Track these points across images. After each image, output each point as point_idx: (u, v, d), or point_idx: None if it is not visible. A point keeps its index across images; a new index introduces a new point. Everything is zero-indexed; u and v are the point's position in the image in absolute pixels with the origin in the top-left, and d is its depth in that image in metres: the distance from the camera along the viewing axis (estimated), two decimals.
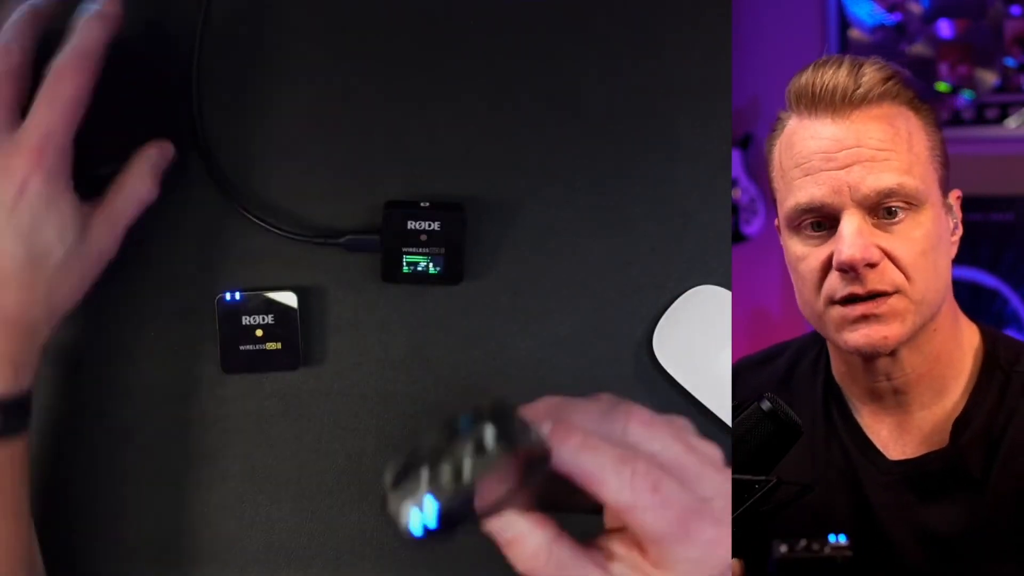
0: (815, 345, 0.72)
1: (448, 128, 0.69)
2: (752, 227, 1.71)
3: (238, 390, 0.67)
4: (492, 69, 0.70)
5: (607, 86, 0.70)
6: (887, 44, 1.67)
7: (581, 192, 0.69)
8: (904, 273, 0.62)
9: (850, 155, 0.62)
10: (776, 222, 0.71)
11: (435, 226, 0.65)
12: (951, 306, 0.66)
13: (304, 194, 0.68)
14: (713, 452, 0.48)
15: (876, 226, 0.62)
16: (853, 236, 0.61)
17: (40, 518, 0.66)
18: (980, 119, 1.68)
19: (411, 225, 0.65)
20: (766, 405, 0.60)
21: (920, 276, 0.62)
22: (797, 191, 0.64)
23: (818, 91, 0.63)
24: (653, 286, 0.70)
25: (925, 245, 0.62)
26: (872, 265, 0.61)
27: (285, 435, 0.68)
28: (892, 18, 1.72)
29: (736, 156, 1.69)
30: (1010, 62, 1.67)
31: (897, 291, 0.62)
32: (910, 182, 0.62)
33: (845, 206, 0.62)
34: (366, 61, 0.69)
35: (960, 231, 0.67)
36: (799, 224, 0.64)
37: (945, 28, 1.69)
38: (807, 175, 0.63)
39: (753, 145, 1.71)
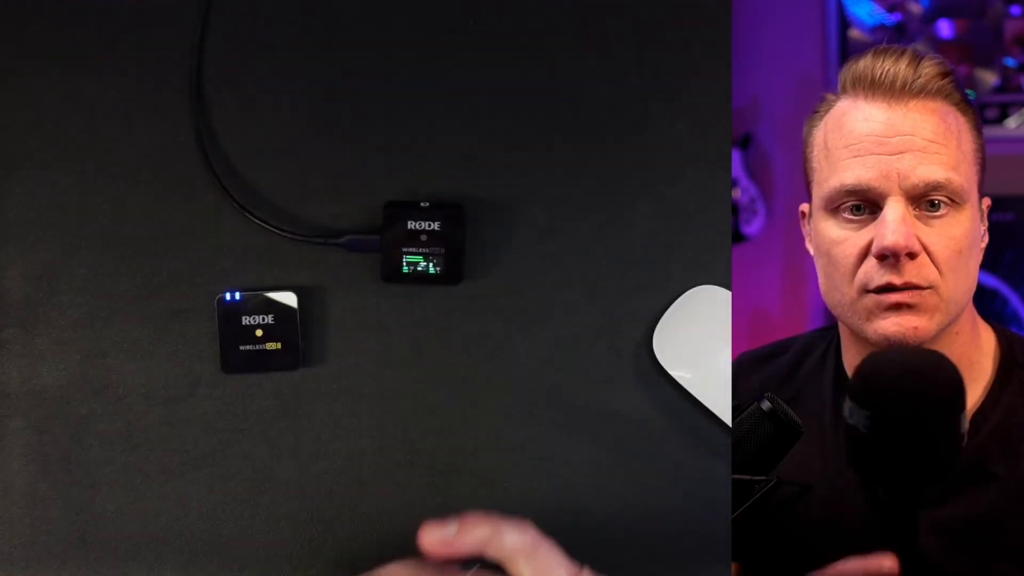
0: (822, 341, 0.72)
1: (448, 128, 0.69)
2: (752, 227, 1.71)
3: (238, 390, 0.67)
4: (492, 69, 0.70)
5: (607, 86, 0.70)
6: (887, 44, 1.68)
7: (581, 192, 0.69)
8: (939, 269, 0.62)
9: (903, 142, 0.62)
10: (802, 208, 0.70)
11: (435, 226, 0.65)
12: (971, 310, 0.66)
13: (304, 194, 0.68)
14: None
15: (917, 217, 0.62)
16: (897, 223, 0.61)
17: (40, 518, 0.66)
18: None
19: (411, 225, 0.65)
20: (766, 405, 0.60)
21: (952, 275, 0.62)
22: (843, 171, 0.63)
23: (877, 76, 0.63)
24: (653, 286, 0.70)
25: (962, 244, 0.62)
26: (912, 255, 0.61)
27: (285, 435, 0.68)
28: (892, 18, 1.72)
29: (736, 156, 1.69)
30: (1010, 62, 1.67)
31: (930, 287, 0.62)
32: (957, 178, 0.62)
33: (891, 192, 0.61)
34: (366, 61, 0.69)
35: (987, 239, 0.67)
36: (838, 206, 0.64)
37: (945, 28, 1.69)
38: (856, 156, 0.63)
39: (753, 145, 1.71)
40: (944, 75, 0.63)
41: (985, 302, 1.63)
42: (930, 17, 1.69)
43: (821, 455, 0.66)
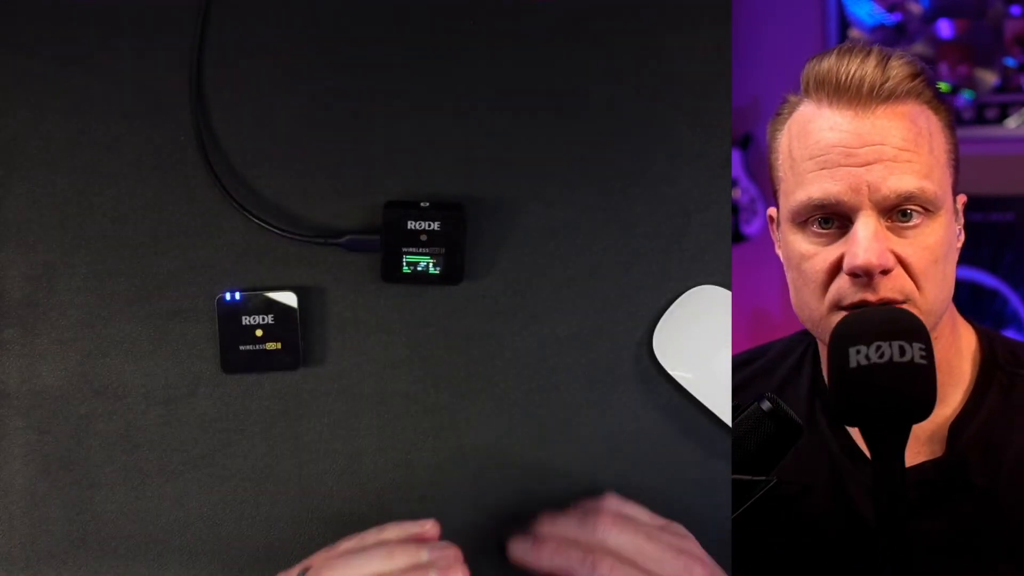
0: (799, 346, 0.71)
1: (448, 128, 0.69)
2: (752, 227, 1.71)
3: (238, 390, 0.67)
4: (492, 69, 0.70)
5: (607, 86, 0.70)
6: (887, 44, 1.68)
7: (581, 192, 0.69)
8: (915, 282, 0.59)
9: (872, 152, 0.59)
10: (771, 212, 0.68)
11: (435, 226, 0.65)
12: (951, 312, 0.64)
13: (304, 194, 0.68)
14: (674, 539, 0.59)
15: (890, 229, 0.59)
16: (869, 240, 0.58)
17: (41, 518, 0.66)
18: (980, 119, 1.68)
19: (411, 225, 0.65)
20: (766, 405, 0.60)
21: (930, 286, 0.60)
22: (809, 185, 0.60)
23: (843, 80, 0.59)
24: (653, 286, 0.70)
25: (938, 253, 0.60)
26: (886, 271, 0.58)
27: (285, 435, 0.68)
28: (892, 18, 1.72)
29: (736, 156, 1.69)
30: (1010, 62, 1.67)
31: (907, 300, 0.59)
32: (930, 187, 0.59)
33: (861, 206, 0.59)
34: (366, 61, 0.69)
35: (963, 237, 0.64)
36: (806, 220, 0.61)
37: (945, 28, 1.69)
38: (823, 168, 0.59)
39: (753, 145, 1.71)
40: (915, 75, 0.60)
41: (985, 302, 1.63)
42: (930, 17, 1.69)
43: (795, 466, 0.64)
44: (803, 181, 0.61)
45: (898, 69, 0.60)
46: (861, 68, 0.59)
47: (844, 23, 1.72)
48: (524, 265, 0.69)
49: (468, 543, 0.68)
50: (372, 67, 0.69)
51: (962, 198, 0.64)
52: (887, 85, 0.59)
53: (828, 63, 0.61)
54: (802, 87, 0.62)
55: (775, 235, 0.68)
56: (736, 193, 1.69)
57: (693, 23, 0.70)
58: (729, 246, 0.70)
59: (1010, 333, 1.59)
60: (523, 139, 0.69)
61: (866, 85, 0.59)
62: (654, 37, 0.70)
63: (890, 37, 1.70)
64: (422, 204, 0.66)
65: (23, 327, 0.66)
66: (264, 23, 0.69)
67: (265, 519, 0.67)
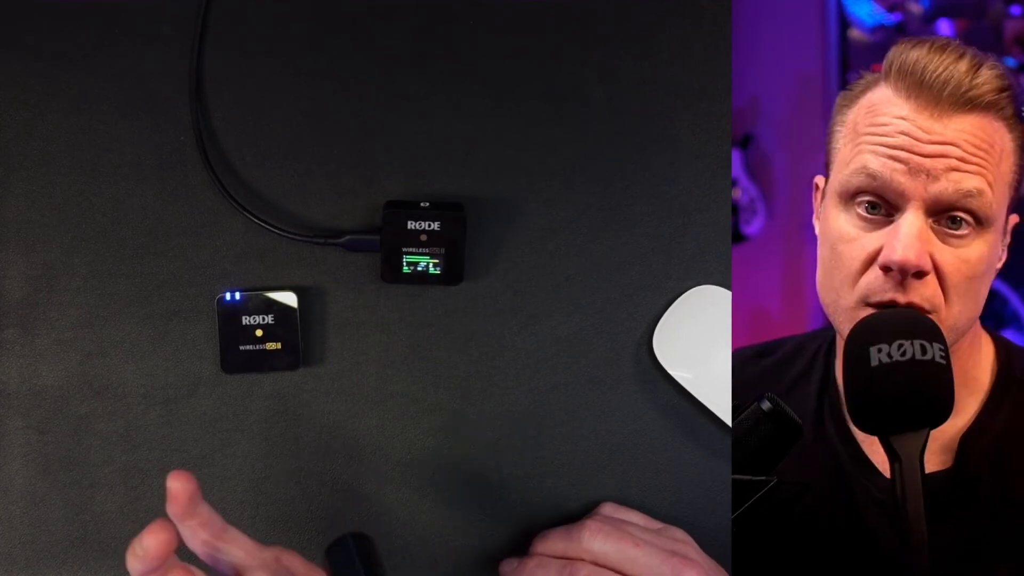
0: (813, 344, 0.70)
1: (448, 128, 0.69)
2: (752, 227, 1.71)
3: (238, 390, 0.67)
4: (492, 69, 0.70)
5: (607, 86, 0.70)
6: (887, 44, 1.68)
7: (581, 192, 0.69)
8: (946, 294, 0.58)
9: (939, 150, 0.57)
10: (817, 180, 0.65)
11: (435, 226, 0.66)
12: (975, 326, 0.62)
13: (304, 194, 0.68)
14: (666, 543, 0.60)
15: (935, 232, 0.57)
16: (912, 237, 0.56)
17: (40, 518, 0.66)
18: None
19: (411, 225, 0.65)
20: (766, 405, 0.60)
21: (959, 300, 0.58)
22: (868, 155, 0.58)
23: (928, 77, 0.57)
24: (653, 286, 0.70)
25: (977, 270, 0.58)
26: (920, 275, 0.56)
27: (285, 435, 0.68)
28: (892, 18, 1.72)
29: (736, 156, 1.69)
30: (1010, 62, 1.67)
31: (933, 311, 0.57)
32: (989, 194, 0.57)
33: (913, 196, 0.57)
34: (366, 61, 0.69)
35: (1005, 257, 0.62)
36: (854, 197, 0.59)
37: (945, 28, 1.69)
38: (884, 145, 0.57)
39: (753, 145, 1.71)
40: (1003, 89, 0.57)
41: (985, 302, 1.63)
42: (930, 17, 1.69)
43: (799, 467, 0.64)
44: (861, 151, 0.59)
45: (987, 79, 0.57)
46: (949, 69, 0.57)
47: (844, 23, 1.72)
48: (524, 265, 0.69)
49: (468, 543, 0.68)
50: (372, 67, 0.69)
51: (1014, 218, 0.62)
52: (971, 93, 0.57)
53: (917, 54, 0.58)
54: (884, 66, 0.60)
55: (817, 205, 0.65)
56: (736, 193, 1.69)
57: (693, 23, 0.71)
58: (729, 246, 0.70)
59: (1010, 333, 1.59)
60: (523, 139, 0.70)
61: (949, 87, 0.57)
62: (653, 36, 0.70)
63: (890, 37, 1.70)
64: (422, 204, 0.66)
65: (23, 327, 0.66)
66: (264, 23, 0.69)
67: (265, 519, 0.67)
